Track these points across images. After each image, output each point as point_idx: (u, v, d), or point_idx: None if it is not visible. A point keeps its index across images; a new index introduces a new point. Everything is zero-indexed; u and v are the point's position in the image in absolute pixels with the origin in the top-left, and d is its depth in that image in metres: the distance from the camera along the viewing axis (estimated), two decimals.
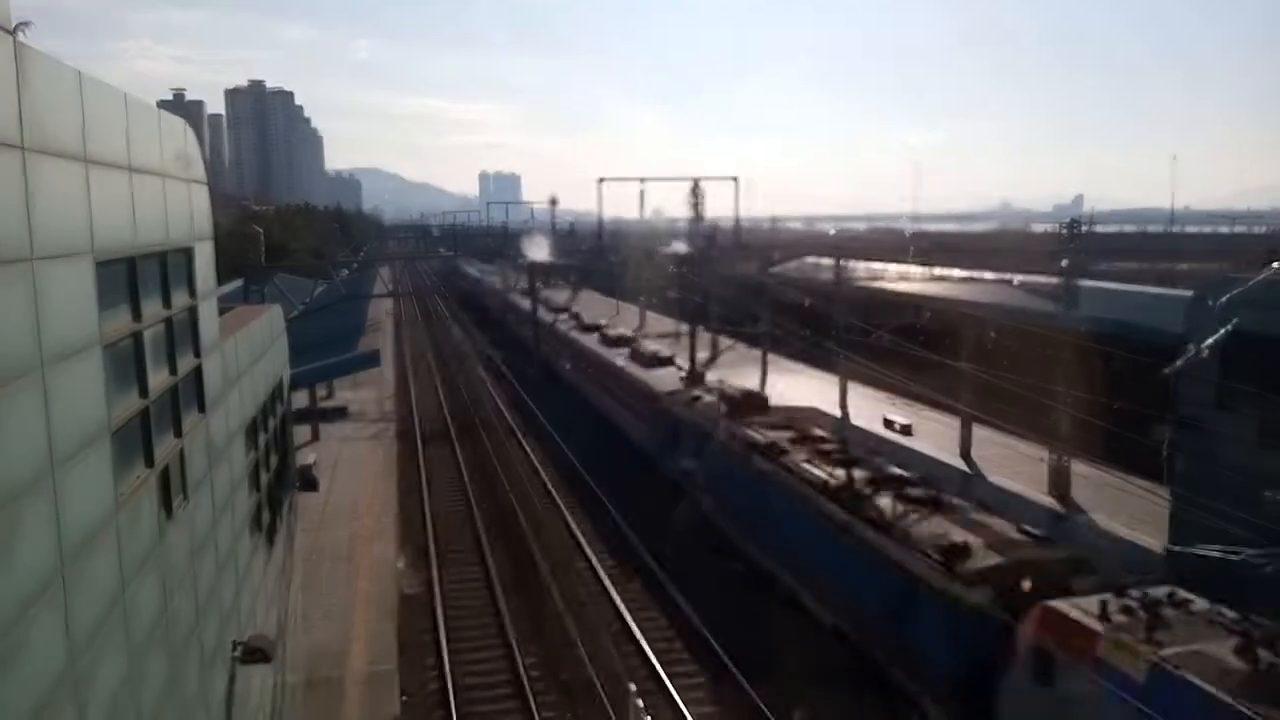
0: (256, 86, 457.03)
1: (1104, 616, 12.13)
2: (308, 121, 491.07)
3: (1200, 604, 12.47)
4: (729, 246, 47.97)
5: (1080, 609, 12.55)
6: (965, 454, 29.30)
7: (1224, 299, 17.34)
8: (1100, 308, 27.30)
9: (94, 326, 6.46)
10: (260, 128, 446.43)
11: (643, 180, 54.85)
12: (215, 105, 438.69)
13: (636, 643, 20.60)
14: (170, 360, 8.48)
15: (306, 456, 30.85)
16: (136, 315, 7.50)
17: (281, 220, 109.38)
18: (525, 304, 59.54)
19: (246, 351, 12.67)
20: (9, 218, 5.18)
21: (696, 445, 26.93)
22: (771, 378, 42.05)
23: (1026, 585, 13.82)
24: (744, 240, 56.46)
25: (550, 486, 32.86)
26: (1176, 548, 18.87)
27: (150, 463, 7.65)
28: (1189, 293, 20.40)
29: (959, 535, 15.70)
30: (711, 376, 34.12)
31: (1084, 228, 28.87)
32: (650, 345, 41.51)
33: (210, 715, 9.17)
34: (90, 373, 6.35)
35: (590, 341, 47.01)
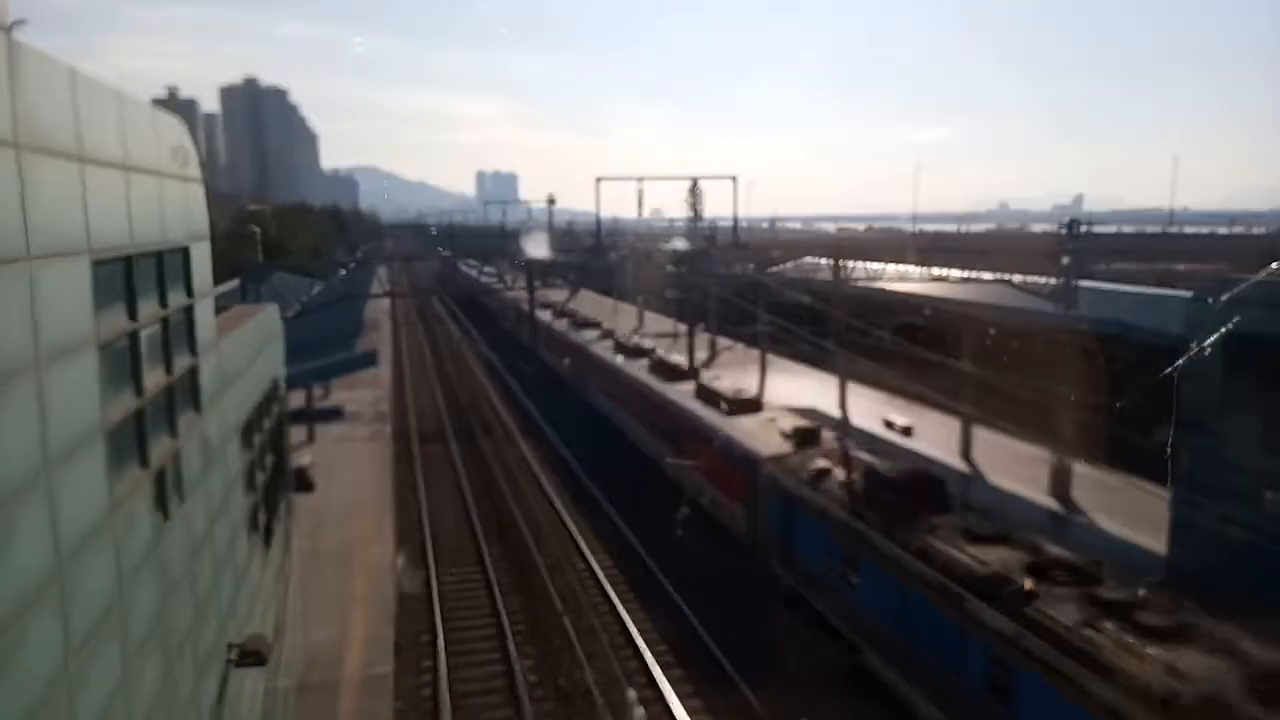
0: (251, 84, 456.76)
1: None
2: (303, 119, 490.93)
3: None
4: (727, 246, 47.85)
5: None
6: (965, 455, 29.34)
7: (1224, 299, 17.31)
8: (1099, 308, 27.29)
9: (89, 326, 6.43)
10: (255, 126, 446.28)
11: (641, 180, 54.59)
12: (210, 104, 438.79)
13: None
14: (166, 360, 8.44)
15: (303, 457, 30.73)
16: (132, 315, 7.47)
17: (278, 219, 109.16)
18: (524, 305, 59.44)
19: (243, 351, 12.62)
20: (4, 216, 5.16)
21: (843, 553, 18.39)
22: (771, 379, 42.10)
23: None
24: (743, 240, 56.38)
25: (548, 487, 32.84)
26: (1178, 548, 18.88)
27: (146, 463, 7.61)
28: (1188, 293, 20.37)
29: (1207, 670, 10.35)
30: (831, 436, 24.51)
31: (1083, 228, 28.88)
32: (726, 381, 31.77)
33: (203, 718, 9.11)
34: (85, 372, 6.32)
35: (636, 370, 38.32)
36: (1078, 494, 25.04)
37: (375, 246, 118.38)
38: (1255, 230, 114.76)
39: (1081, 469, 25.02)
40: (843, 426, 30.34)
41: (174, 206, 8.86)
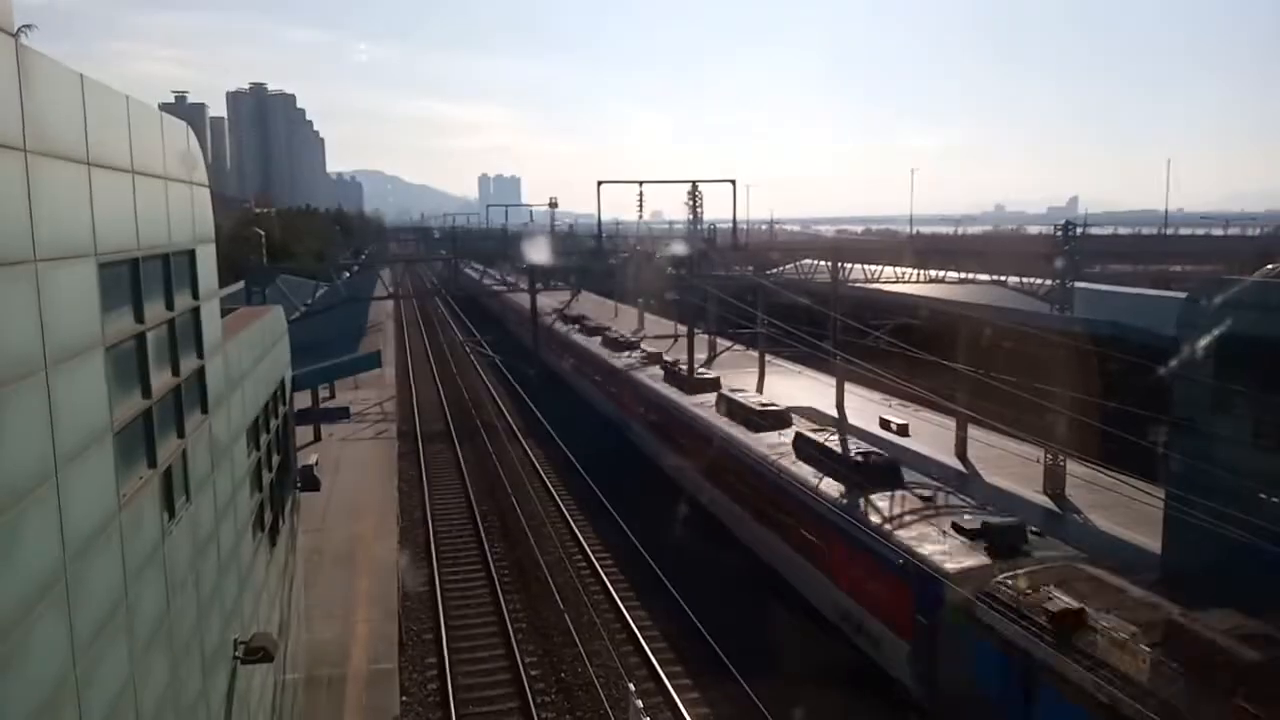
0: (258, 89, 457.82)
1: None
2: (309, 124, 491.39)
3: None
4: (727, 248, 47.96)
5: None
6: (961, 454, 29.48)
7: (1218, 301, 17.42)
8: (1094, 309, 27.41)
9: (97, 328, 6.45)
10: (262, 130, 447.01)
11: (641, 183, 54.76)
12: (217, 108, 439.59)
13: None
14: (173, 361, 8.46)
15: (308, 456, 30.81)
16: (139, 317, 7.49)
17: (283, 222, 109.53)
18: (525, 306, 59.59)
19: (249, 353, 12.69)
20: (12, 220, 5.18)
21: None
22: (769, 380, 42.26)
23: None
24: (743, 242, 56.55)
25: (550, 486, 33.00)
26: (1173, 547, 18.99)
27: (153, 463, 7.64)
28: (1182, 294, 20.49)
29: None
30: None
31: (1078, 230, 28.98)
32: (861, 446, 22.14)
33: (210, 715, 9.19)
34: (93, 374, 6.34)
35: (710, 417, 28.62)
36: (1073, 493, 25.18)
37: (379, 249, 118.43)
38: (1250, 232, 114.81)
39: (1077, 468, 25.14)
40: (840, 426, 30.43)
41: (180, 209, 8.89)
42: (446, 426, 43.38)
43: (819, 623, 20.00)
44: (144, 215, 7.65)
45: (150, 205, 7.90)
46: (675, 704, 18.17)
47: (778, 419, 26.21)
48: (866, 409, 34.89)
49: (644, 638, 20.98)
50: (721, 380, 32.33)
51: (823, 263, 39.53)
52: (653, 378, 36.19)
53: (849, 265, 39.01)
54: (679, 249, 46.61)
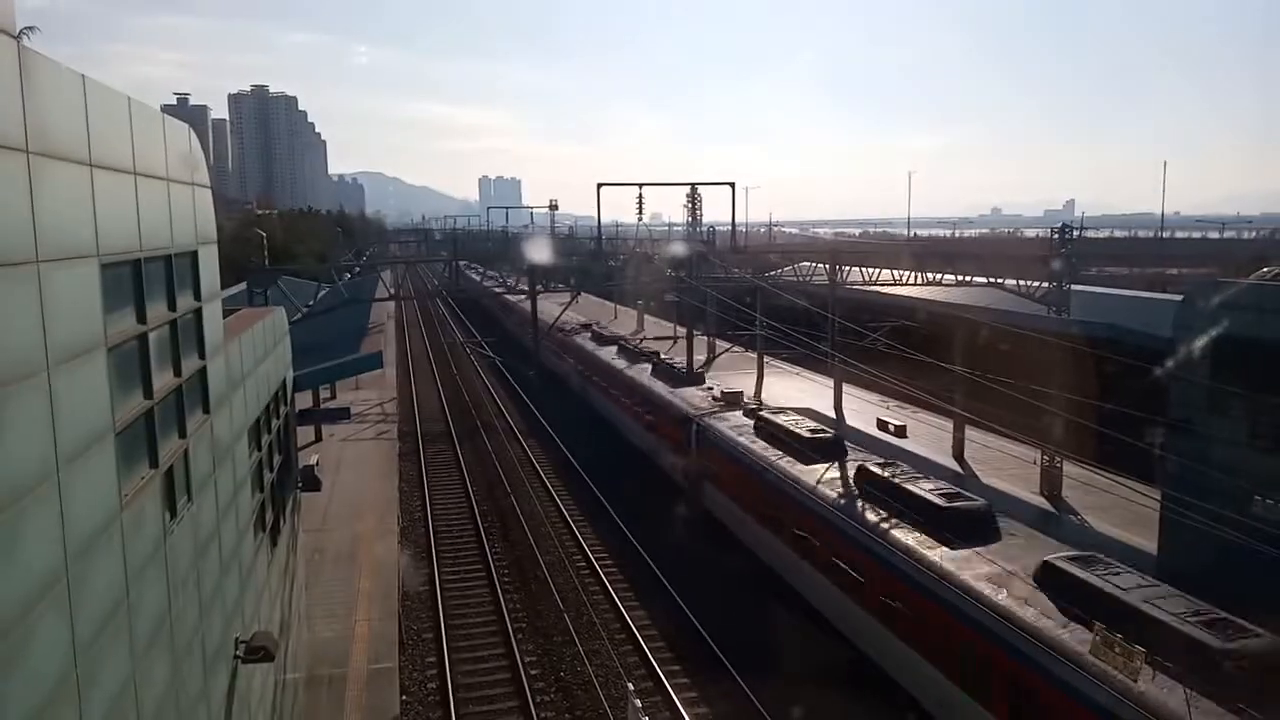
0: (260, 91, 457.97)
1: None
2: (311, 126, 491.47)
3: None
4: (726, 251, 48.01)
5: None
6: (958, 455, 29.53)
7: (1213, 303, 17.48)
8: (1090, 311, 27.45)
9: (99, 328, 6.47)
10: (264, 132, 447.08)
11: (641, 186, 54.67)
12: (218, 110, 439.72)
13: None
14: (175, 362, 8.48)
15: (309, 457, 30.87)
16: (141, 318, 7.52)
17: (285, 223, 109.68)
18: (526, 308, 59.59)
19: (250, 353, 12.73)
20: (14, 221, 5.19)
21: None
22: (768, 381, 42.30)
23: None
24: (742, 245, 56.57)
25: (549, 485, 33.07)
26: (1168, 547, 19.04)
27: (155, 463, 7.66)
28: (1178, 297, 20.55)
29: None
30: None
31: (1074, 233, 29.02)
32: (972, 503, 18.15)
33: (211, 714, 9.22)
34: (95, 374, 6.36)
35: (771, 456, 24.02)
36: (1070, 494, 25.24)
37: (380, 250, 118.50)
38: (1246, 235, 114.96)
39: (1074, 469, 25.20)
40: (838, 426, 30.47)
41: (182, 211, 8.91)
42: (447, 427, 43.47)
43: (819, 623, 20.06)
44: (146, 216, 7.66)
45: (152, 206, 7.91)
46: (674, 704, 18.25)
47: (834, 446, 23.29)
48: (865, 410, 34.99)
49: (643, 637, 21.06)
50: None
51: (821, 265, 39.61)
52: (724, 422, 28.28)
53: (847, 268, 39.11)
54: (678, 251, 46.65)
